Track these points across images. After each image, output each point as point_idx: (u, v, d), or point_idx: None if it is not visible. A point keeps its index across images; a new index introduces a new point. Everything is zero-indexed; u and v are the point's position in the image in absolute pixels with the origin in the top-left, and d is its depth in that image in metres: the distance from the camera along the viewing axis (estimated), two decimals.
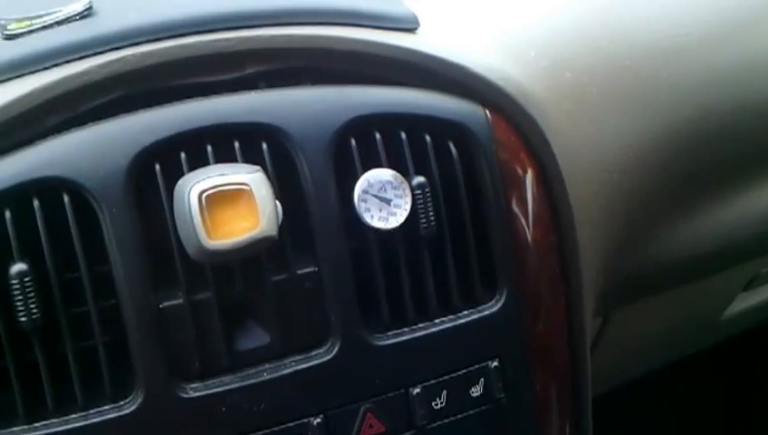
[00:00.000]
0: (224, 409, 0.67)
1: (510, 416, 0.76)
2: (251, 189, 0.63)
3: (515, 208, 0.75)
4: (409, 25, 0.76)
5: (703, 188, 0.93)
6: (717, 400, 1.61)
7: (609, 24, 0.87)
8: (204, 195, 0.62)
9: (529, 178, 0.76)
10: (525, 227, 0.76)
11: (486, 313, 0.74)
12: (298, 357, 0.69)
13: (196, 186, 0.62)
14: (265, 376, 0.67)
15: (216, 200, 0.62)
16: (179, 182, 0.64)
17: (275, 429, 0.68)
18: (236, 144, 0.66)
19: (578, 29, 0.86)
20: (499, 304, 0.74)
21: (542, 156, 0.76)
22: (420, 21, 0.77)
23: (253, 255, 0.65)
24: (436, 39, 0.76)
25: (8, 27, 0.69)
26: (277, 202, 0.65)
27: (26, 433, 0.63)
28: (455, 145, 0.72)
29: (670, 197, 0.90)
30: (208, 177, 0.63)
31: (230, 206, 0.63)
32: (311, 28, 0.72)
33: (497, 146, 0.74)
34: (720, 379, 1.59)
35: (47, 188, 0.63)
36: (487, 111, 0.74)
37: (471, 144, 0.73)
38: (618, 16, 0.88)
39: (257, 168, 0.65)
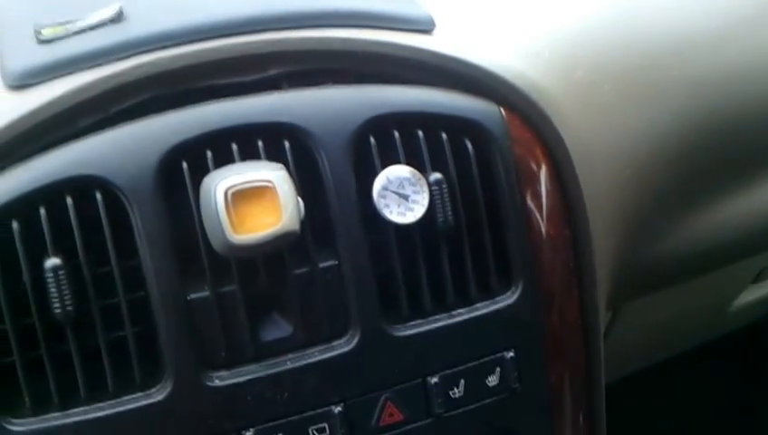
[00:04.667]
0: (249, 397, 0.68)
1: (525, 405, 0.77)
2: (274, 186, 0.64)
3: (530, 203, 0.76)
4: (426, 27, 0.77)
5: (714, 183, 0.93)
6: (726, 390, 1.60)
7: (622, 23, 0.88)
8: (229, 191, 0.64)
9: (543, 173, 0.77)
10: (540, 221, 0.77)
11: (502, 304, 0.75)
12: (320, 347, 0.70)
13: (222, 183, 0.64)
14: (288, 365, 0.69)
15: (241, 197, 0.64)
16: (206, 179, 0.65)
17: (298, 416, 0.69)
18: (260, 143, 0.68)
19: (590, 28, 0.86)
20: (515, 297, 0.75)
21: (556, 152, 0.77)
22: (436, 22, 0.78)
23: (276, 249, 0.66)
24: (451, 39, 0.77)
25: (42, 32, 0.70)
26: (299, 198, 0.66)
27: (61, 420, 0.65)
28: (471, 142, 0.73)
29: (682, 191, 0.91)
30: (234, 174, 0.64)
31: (254, 202, 0.64)
32: (331, 31, 0.73)
33: (512, 143, 0.75)
34: (729, 369, 1.58)
35: (80, 185, 0.65)
36: (502, 109, 0.75)
37: (487, 141, 0.74)
38: (630, 15, 0.89)
39: (280, 165, 0.66)
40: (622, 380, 1.16)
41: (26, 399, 0.65)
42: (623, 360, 1.12)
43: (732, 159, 0.93)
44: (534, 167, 0.77)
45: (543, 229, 0.77)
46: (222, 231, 0.64)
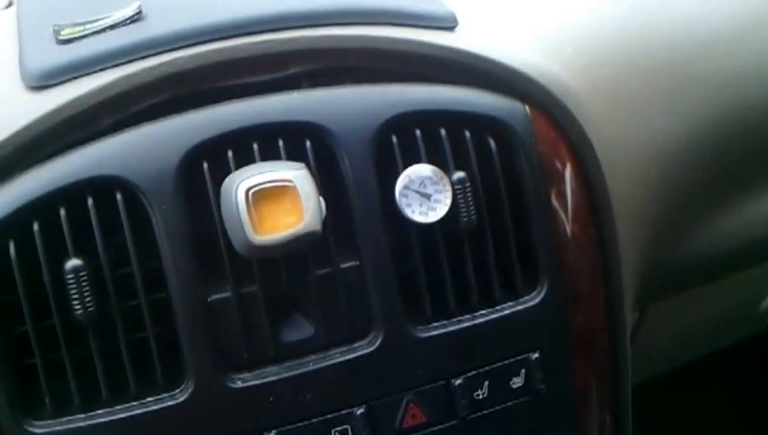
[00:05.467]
0: (270, 398, 0.68)
1: (550, 407, 0.76)
2: (295, 186, 0.64)
3: (555, 202, 0.75)
4: (448, 24, 0.77)
5: (740, 181, 0.92)
6: (754, 392, 1.59)
7: (646, 20, 0.87)
8: (250, 191, 0.63)
9: (568, 171, 0.76)
10: (565, 220, 0.76)
11: (527, 305, 0.74)
12: (342, 349, 0.70)
13: (243, 183, 0.63)
14: (310, 367, 0.69)
15: (262, 197, 0.64)
16: (227, 180, 0.65)
17: (320, 418, 0.69)
18: (281, 142, 0.68)
19: (615, 25, 0.86)
20: (539, 297, 0.74)
21: (580, 150, 0.77)
22: (459, 19, 0.77)
23: (297, 249, 0.66)
24: (474, 37, 0.76)
25: (62, 33, 0.70)
26: (321, 198, 0.66)
27: (82, 422, 0.65)
28: (494, 140, 0.73)
29: (708, 189, 0.90)
30: (255, 174, 0.64)
31: (275, 202, 0.64)
32: (351, 28, 0.73)
33: (536, 140, 0.74)
34: (760, 370, 1.57)
35: (100, 186, 0.65)
36: (526, 107, 0.74)
37: (510, 139, 0.73)
38: (654, 12, 0.88)
39: (301, 165, 0.66)
40: (650, 381, 1.15)
41: (47, 400, 0.65)
42: (650, 361, 1.11)
43: (759, 157, 0.92)
44: (559, 165, 0.76)
45: (569, 229, 0.76)
46: (243, 231, 0.63)
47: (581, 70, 0.80)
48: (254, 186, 0.64)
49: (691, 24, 0.88)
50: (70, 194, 0.65)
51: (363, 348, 0.70)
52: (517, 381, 0.74)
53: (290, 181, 0.64)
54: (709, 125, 0.87)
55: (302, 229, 0.64)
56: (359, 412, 0.70)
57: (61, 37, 0.70)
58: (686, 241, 0.92)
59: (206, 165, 0.66)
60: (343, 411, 0.70)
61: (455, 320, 0.72)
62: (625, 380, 0.83)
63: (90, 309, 0.64)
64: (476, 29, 0.78)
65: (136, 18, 0.71)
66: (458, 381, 0.72)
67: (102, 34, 0.70)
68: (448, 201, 0.70)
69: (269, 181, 0.64)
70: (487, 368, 0.73)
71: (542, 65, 0.77)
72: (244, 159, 0.67)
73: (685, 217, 0.90)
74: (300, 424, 0.69)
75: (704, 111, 0.86)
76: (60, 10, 0.75)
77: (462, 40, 0.75)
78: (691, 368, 1.24)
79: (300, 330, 0.69)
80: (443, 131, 0.71)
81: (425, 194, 0.69)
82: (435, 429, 0.72)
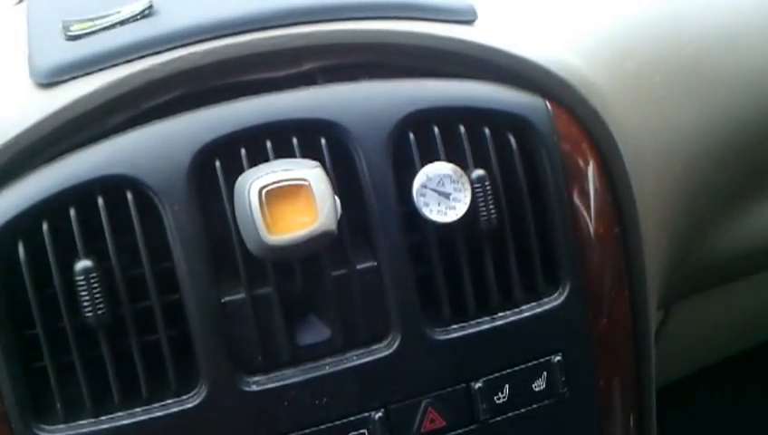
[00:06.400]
0: (286, 402, 0.67)
1: (573, 410, 0.75)
2: (310, 185, 0.63)
3: (577, 201, 0.74)
4: (467, 17, 0.75)
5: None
6: None
7: (671, 13, 0.86)
8: (264, 190, 0.62)
9: (591, 169, 0.75)
10: (588, 219, 0.74)
11: (549, 307, 0.73)
12: (359, 351, 0.69)
13: (256, 182, 0.62)
14: (327, 370, 0.68)
15: (276, 196, 0.62)
16: (240, 178, 0.64)
17: (337, 422, 0.68)
18: (295, 140, 0.67)
19: (639, 18, 0.85)
20: (562, 298, 0.73)
21: (604, 147, 0.75)
22: (478, 12, 0.76)
23: (312, 250, 0.64)
24: (494, 30, 0.75)
25: (71, 28, 0.69)
26: (336, 197, 0.65)
27: (94, 426, 0.64)
28: (515, 137, 0.72)
29: (735, 186, 0.89)
30: (268, 173, 0.63)
31: (290, 201, 0.63)
32: (367, 23, 0.72)
33: (559, 138, 0.73)
34: None
35: (111, 185, 0.64)
36: (548, 103, 0.73)
37: (532, 136, 0.72)
38: (679, 5, 0.87)
39: (316, 163, 0.65)
40: (676, 381, 1.14)
41: (58, 404, 0.65)
42: (676, 361, 1.10)
43: None
44: (582, 163, 0.75)
45: (592, 228, 0.75)
46: (257, 232, 0.62)
47: (604, 64, 0.79)
48: (268, 185, 0.62)
49: (718, 17, 0.87)
50: (80, 194, 0.64)
51: (381, 351, 0.69)
52: (539, 385, 0.73)
53: (304, 180, 0.63)
54: (735, 121, 0.86)
55: (317, 229, 0.63)
56: (376, 417, 0.69)
57: (70, 33, 0.69)
58: (712, 239, 0.91)
59: (218, 163, 0.65)
60: (361, 416, 0.69)
61: (474, 322, 0.71)
62: (649, 382, 0.81)
63: (100, 312, 0.63)
64: (496, 23, 0.77)
65: (147, 13, 0.70)
66: (478, 385, 0.71)
67: (112, 30, 0.69)
68: (468, 200, 0.69)
69: (283, 180, 0.63)
70: (508, 371, 0.72)
71: (563, 60, 0.76)
72: (258, 158, 0.66)
73: (711, 214, 0.89)
74: (316, 428, 0.68)
75: (730, 106, 0.86)
76: (70, 5, 0.75)
77: (481, 34, 0.74)
78: (718, 368, 1.23)
79: (316, 332, 0.68)
80: (462, 128, 0.70)
81: (443, 193, 0.68)
82: (454, 433, 0.71)
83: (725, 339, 1.17)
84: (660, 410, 0.84)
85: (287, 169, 0.63)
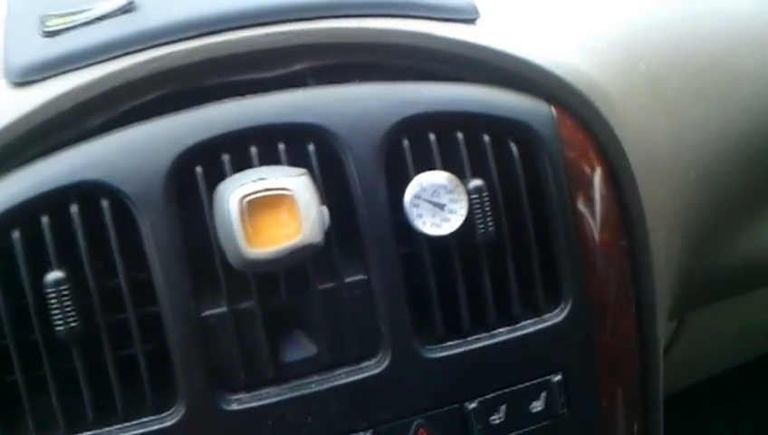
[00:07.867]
0: (269, 422, 0.65)
1: (572, 431, 0.73)
2: (293, 194, 0.60)
3: (582, 211, 0.72)
4: (468, 16, 0.73)
5: None
6: None
7: (688, 15, 0.84)
8: (245, 200, 0.60)
9: (597, 178, 0.72)
10: (593, 230, 0.72)
11: (550, 323, 0.71)
12: (347, 369, 0.67)
13: (236, 191, 0.60)
14: (313, 388, 0.66)
15: (258, 206, 0.60)
16: (219, 186, 0.62)
17: None
18: (281, 146, 0.64)
19: (654, 19, 0.83)
20: (564, 314, 0.71)
21: (611, 155, 0.73)
22: (480, 11, 0.74)
23: (296, 263, 0.62)
24: (496, 31, 0.73)
25: (48, 23, 0.68)
26: (324, 207, 0.63)
27: None
28: (516, 145, 0.69)
29: (751, 193, 0.87)
30: (249, 181, 0.61)
31: (273, 212, 0.60)
32: (363, 21, 0.69)
33: (563, 145, 0.71)
34: None
35: (85, 192, 0.62)
36: (552, 108, 0.71)
37: (534, 144, 0.70)
38: (696, 7, 0.85)
39: (302, 171, 0.62)
40: (687, 390, 1.13)
41: (29, 421, 0.63)
42: (688, 370, 1.10)
43: None
44: (587, 171, 0.72)
45: (597, 239, 0.72)
46: (236, 244, 0.60)
47: (615, 66, 0.77)
48: (249, 194, 0.60)
49: (735, 19, 0.86)
50: (53, 200, 0.62)
51: (370, 369, 0.67)
52: (537, 406, 0.71)
53: (287, 189, 0.60)
54: (752, 126, 0.84)
55: (301, 242, 0.61)
56: None
57: (47, 29, 0.68)
58: (727, 249, 0.89)
59: (199, 170, 0.63)
60: None
61: (469, 339, 0.69)
62: (656, 395, 0.79)
63: (72, 325, 0.61)
64: (499, 23, 0.75)
65: (128, 9, 0.68)
66: (473, 405, 0.69)
67: (91, 26, 0.67)
68: (464, 212, 0.66)
69: (264, 189, 0.60)
70: (505, 391, 0.70)
71: (570, 62, 0.73)
72: (242, 164, 0.64)
73: (725, 223, 0.88)
74: None
75: (747, 111, 0.84)
76: None
77: (483, 34, 0.72)
78: (731, 377, 1.22)
79: (302, 348, 0.66)
80: (459, 135, 0.68)
81: (438, 204, 0.66)
82: None
83: (738, 348, 1.16)
84: (671, 417, 0.82)
85: (269, 178, 0.61)
